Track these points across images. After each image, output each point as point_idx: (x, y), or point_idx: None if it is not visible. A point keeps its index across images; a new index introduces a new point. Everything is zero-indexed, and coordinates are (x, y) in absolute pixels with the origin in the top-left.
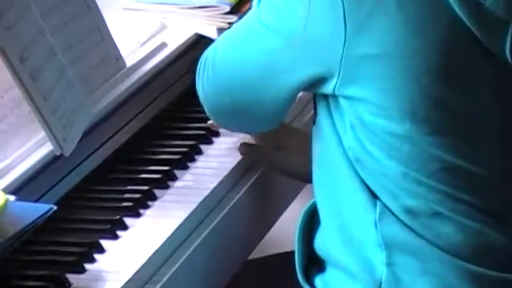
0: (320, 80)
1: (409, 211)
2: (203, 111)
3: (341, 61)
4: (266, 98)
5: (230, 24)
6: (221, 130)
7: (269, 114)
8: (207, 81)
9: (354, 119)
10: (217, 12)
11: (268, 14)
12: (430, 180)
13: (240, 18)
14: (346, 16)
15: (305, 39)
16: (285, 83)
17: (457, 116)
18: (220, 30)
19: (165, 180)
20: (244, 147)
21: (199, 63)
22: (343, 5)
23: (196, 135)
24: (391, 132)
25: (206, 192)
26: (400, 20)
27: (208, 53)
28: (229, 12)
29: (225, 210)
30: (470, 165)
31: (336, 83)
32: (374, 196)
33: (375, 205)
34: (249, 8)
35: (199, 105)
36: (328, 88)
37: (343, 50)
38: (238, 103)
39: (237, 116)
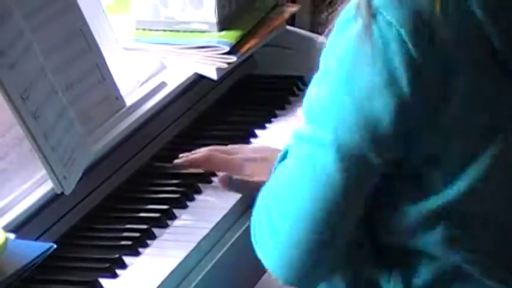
0: None
1: None
2: None
3: None
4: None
5: (229, 64)
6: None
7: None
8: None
9: None
10: (217, 52)
11: None
12: None
13: (238, 58)
14: None
15: None
16: None
17: None
18: (220, 70)
19: (164, 219)
20: (225, 179)
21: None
22: None
23: (195, 174)
24: None
25: (205, 232)
26: None
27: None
28: (229, 53)
29: (224, 250)
30: None
31: None
32: None
33: None
34: (249, 49)
35: (198, 145)
36: None
37: None
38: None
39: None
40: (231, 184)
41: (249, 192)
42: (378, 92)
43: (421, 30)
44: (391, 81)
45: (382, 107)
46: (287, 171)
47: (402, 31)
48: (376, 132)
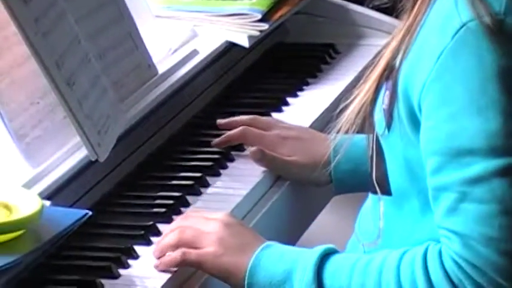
0: None
1: None
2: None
3: None
4: None
5: (261, 31)
6: None
7: None
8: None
9: None
10: (249, 20)
11: None
12: None
13: (270, 26)
14: None
15: None
16: None
17: None
18: (251, 38)
19: (198, 187)
20: (257, 153)
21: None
22: None
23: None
24: None
25: (238, 199)
26: None
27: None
28: (261, 20)
29: (257, 218)
30: None
31: None
32: None
33: None
34: (281, 16)
35: (230, 112)
36: None
37: None
38: None
39: None
40: (263, 159)
41: (280, 171)
42: None
43: None
44: None
45: None
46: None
47: None
48: None
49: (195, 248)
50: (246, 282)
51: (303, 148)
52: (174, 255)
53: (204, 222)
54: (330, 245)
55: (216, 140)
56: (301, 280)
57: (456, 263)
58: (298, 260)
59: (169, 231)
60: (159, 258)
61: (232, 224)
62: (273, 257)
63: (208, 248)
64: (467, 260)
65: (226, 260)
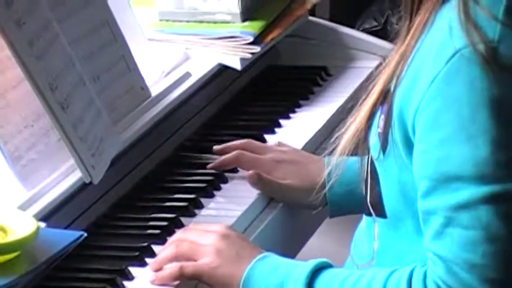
0: None
1: None
2: (226, 141)
3: None
4: None
5: (253, 54)
6: None
7: None
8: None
9: None
10: (240, 42)
11: None
12: None
13: (262, 48)
14: None
15: None
16: None
17: None
18: (243, 60)
19: (192, 208)
20: (253, 177)
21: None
22: None
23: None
24: None
25: (232, 221)
26: None
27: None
28: (252, 43)
29: (250, 239)
30: None
31: None
32: None
33: None
34: (272, 39)
35: (223, 134)
36: None
37: None
38: None
39: None
40: (259, 183)
41: (275, 194)
42: None
43: None
44: None
45: None
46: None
47: None
48: None
49: (192, 260)
50: (241, 284)
51: (298, 171)
52: (171, 269)
53: (202, 234)
54: (323, 259)
55: (211, 164)
56: None
57: (438, 286)
58: (291, 273)
59: (167, 245)
60: (156, 271)
61: (229, 236)
62: (267, 268)
63: (205, 259)
64: (450, 285)
65: (222, 271)
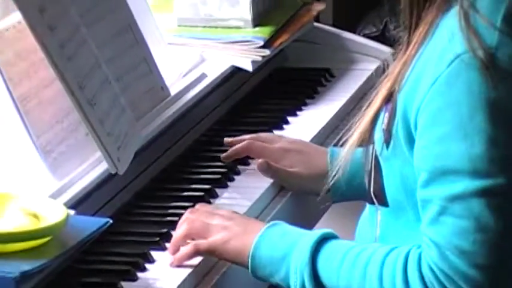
0: None
1: None
2: (238, 135)
3: None
4: None
5: (263, 57)
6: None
7: None
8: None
9: None
10: (252, 46)
11: None
12: None
13: (271, 52)
14: None
15: None
16: None
17: None
18: (254, 63)
19: (207, 198)
20: (263, 165)
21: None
22: None
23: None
24: None
25: (244, 209)
26: None
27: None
28: (262, 47)
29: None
30: None
31: None
32: None
33: None
34: (281, 43)
35: (235, 130)
36: None
37: None
38: None
39: None
40: (268, 170)
41: (282, 181)
42: None
43: None
44: None
45: None
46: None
47: None
48: None
49: (203, 238)
50: (250, 253)
51: (304, 160)
52: (187, 249)
53: (210, 215)
54: (329, 230)
55: (225, 154)
56: (298, 260)
57: (431, 269)
58: (298, 240)
59: (179, 225)
60: (173, 254)
61: (235, 217)
62: (277, 235)
63: (216, 236)
64: (441, 268)
65: (234, 244)
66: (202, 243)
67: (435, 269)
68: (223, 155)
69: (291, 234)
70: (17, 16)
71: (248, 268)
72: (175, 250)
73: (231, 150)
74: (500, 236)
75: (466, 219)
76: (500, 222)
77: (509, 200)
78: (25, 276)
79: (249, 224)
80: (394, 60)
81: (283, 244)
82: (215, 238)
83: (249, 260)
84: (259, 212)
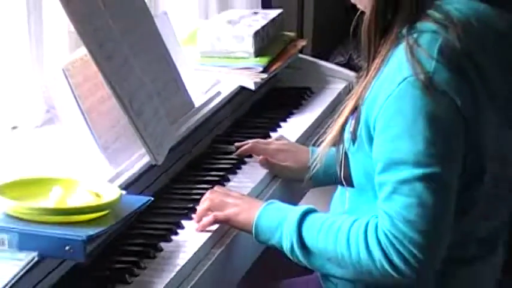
0: None
1: None
2: (245, 137)
3: None
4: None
5: (262, 79)
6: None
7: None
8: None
9: None
10: (254, 71)
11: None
12: None
13: (268, 75)
14: None
15: None
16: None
17: None
18: (256, 83)
19: (222, 182)
20: (263, 160)
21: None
22: None
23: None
24: None
25: (248, 190)
26: None
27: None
28: (262, 72)
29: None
30: None
31: None
32: None
33: None
34: (275, 69)
35: (242, 133)
36: None
37: None
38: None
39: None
40: (267, 164)
41: (277, 172)
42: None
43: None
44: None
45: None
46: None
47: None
48: None
49: (221, 211)
50: (254, 223)
51: (292, 157)
52: (208, 219)
53: (225, 195)
54: (311, 206)
55: (236, 152)
56: (288, 228)
57: (385, 234)
58: (288, 214)
59: (202, 201)
60: (198, 222)
61: (242, 197)
62: (273, 210)
63: (230, 210)
64: (393, 233)
65: (242, 216)
66: (219, 214)
67: (388, 234)
68: (235, 153)
69: (283, 209)
70: (83, 50)
71: (252, 234)
72: (199, 220)
73: (240, 150)
74: (435, 210)
75: (411, 197)
76: (435, 199)
77: (442, 183)
78: (90, 238)
79: (253, 202)
80: (357, 82)
81: (278, 217)
82: (229, 212)
83: (253, 229)
84: (259, 193)
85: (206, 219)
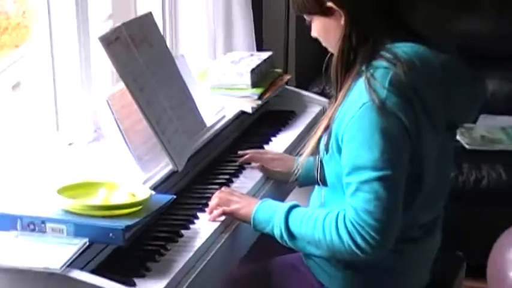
0: None
1: None
2: (246, 148)
3: None
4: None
5: (258, 105)
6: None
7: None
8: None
9: None
10: (251, 99)
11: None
12: None
13: (262, 102)
14: None
15: None
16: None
17: None
18: (253, 108)
19: (228, 183)
20: (259, 167)
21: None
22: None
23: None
24: None
25: (247, 190)
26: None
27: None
28: (257, 99)
29: (260, 195)
30: None
31: None
32: None
33: None
34: (267, 97)
35: (243, 146)
36: None
37: None
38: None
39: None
40: (262, 170)
41: (270, 176)
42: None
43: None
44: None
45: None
46: (380, 196)
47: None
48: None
49: (227, 206)
50: (252, 217)
51: (283, 164)
52: (217, 212)
53: (230, 194)
54: (295, 202)
55: (239, 160)
56: (278, 219)
57: (351, 222)
58: (278, 209)
59: (213, 198)
60: (210, 214)
61: (243, 196)
62: (266, 206)
63: (234, 206)
64: (357, 221)
65: (243, 211)
66: (226, 209)
67: (353, 222)
68: (239, 161)
69: (274, 206)
70: (121, 84)
71: (251, 225)
72: (211, 212)
73: (242, 159)
74: (388, 203)
75: (370, 194)
76: (389, 195)
77: (393, 182)
78: (128, 228)
79: (251, 200)
80: (329, 106)
81: (270, 211)
82: (233, 207)
83: (252, 221)
84: (256, 191)
85: (216, 212)
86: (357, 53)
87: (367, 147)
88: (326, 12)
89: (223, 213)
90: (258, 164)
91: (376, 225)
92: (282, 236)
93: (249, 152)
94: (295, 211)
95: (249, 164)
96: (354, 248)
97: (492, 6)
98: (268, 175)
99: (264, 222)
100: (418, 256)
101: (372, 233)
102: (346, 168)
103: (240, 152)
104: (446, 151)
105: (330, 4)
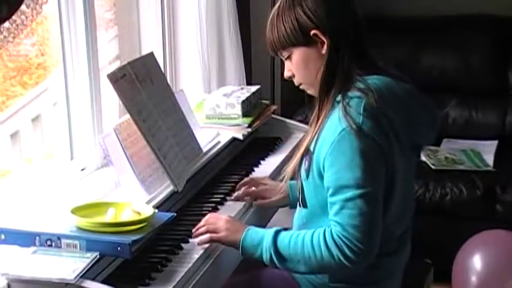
0: None
1: None
2: (238, 172)
3: None
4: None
5: (248, 132)
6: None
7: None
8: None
9: None
10: (242, 127)
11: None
12: None
13: (251, 129)
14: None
15: None
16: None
17: None
18: (243, 135)
19: (223, 202)
20: (257, 203)
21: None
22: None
23: (234, 182)
24: None
25: (235, 212)
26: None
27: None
28: (247, 127)
29: (245, 219)
30: None
31: None
32: None
33: None
34: (256, 125)
35: (235, 169)
36: None
37: None
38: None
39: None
40: (259, 204)
41: (265, 207)
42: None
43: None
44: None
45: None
46: (363, 212)
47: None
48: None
49: (215, 232)
50: (240, 244)
51: (274, 192)
52: (205, 237)
53: (217, 219)
54: (280, 227)
55: (235, 197)
56: (266, 244)
57: (339, 237)
58: (265, 234)
59: (201, 224)
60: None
61: (230, 220)
62: (253, 233)
63: (221, 233)
64: (344, 235)
65: (230, 238)
66: (214, 236)
67: (341, 236)
68: (233, 197)
69: (260, 232)
70: (127, 116)
71: (239, 251)
72: (197, 236)
73: (236, 196)
74: (371, 217)
75: (354, 210)
76: (371, 209)
77: (374, 198)
78: (134, 242)
79: (239, 226)
80: (305, 135)
81: (257, 238)
82: (220, 235)
83: (240, 248)
84: (241, 215)
85: (203, 239)
86: (333, 86)
87: (348, 168)
88: (309, 42)
89: (210, 239)
90: (255, 202)
91: (362, 237)
92: (271, 259)
93: (244, 182)
94: (282, 234)
95: (240, 187)
96: (343, 259)
97: (452, 46)
98: (265, 208)
99: (253, 248)
100: (394, 267)
101: (359, 244)
102: (331, 189)
103: (239, 184)
104: (411, 169)
105: (314, 32)
